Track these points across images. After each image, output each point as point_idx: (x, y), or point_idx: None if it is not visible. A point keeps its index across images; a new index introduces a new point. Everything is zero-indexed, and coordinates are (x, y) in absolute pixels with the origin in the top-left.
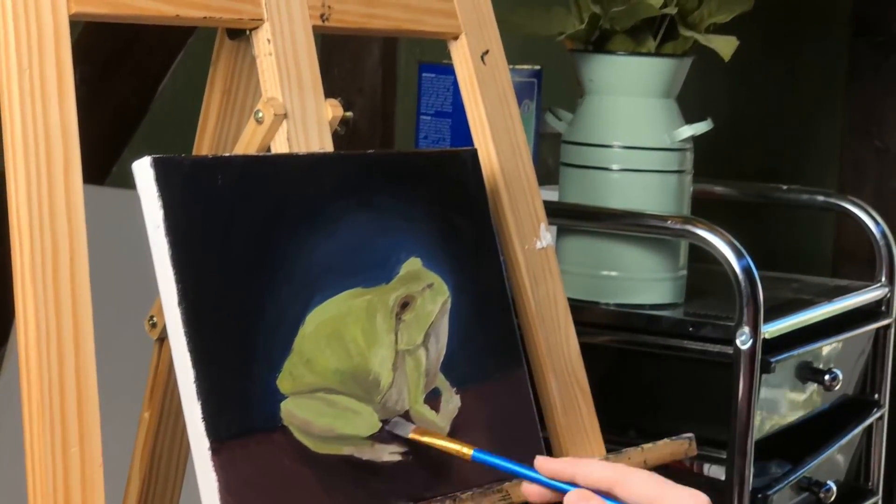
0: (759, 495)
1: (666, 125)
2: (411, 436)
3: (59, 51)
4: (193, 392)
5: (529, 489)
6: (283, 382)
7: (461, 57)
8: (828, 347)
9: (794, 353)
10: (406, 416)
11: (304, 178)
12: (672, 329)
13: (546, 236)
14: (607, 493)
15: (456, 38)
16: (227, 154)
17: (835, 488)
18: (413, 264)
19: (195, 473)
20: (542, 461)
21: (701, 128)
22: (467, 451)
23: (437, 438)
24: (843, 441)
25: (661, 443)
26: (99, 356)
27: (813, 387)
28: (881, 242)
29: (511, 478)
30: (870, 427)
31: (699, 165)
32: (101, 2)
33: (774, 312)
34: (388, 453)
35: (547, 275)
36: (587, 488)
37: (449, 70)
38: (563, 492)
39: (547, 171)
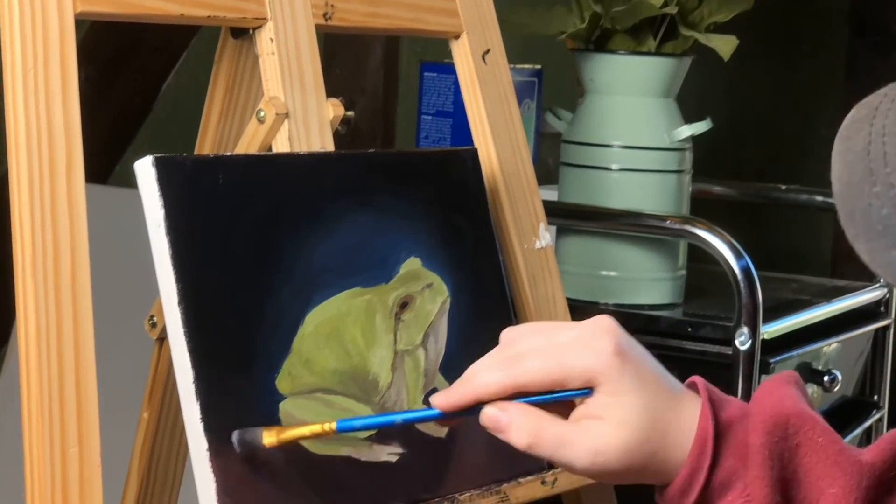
0: None
1: (665, 125)
2: (265, 441)
3: (64, 50)
4: (192, 392)
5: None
6: (282, 383)
7: (462, 56)
8: (827, 348)
9: (794, 353)
10: None
11: (304, 178)
12: (671, 329)
13: (545, 236)
14: (517, 398)
15: (457, 37)
16: (228, 153)
17: None
18: (412, 264)
19: (193, 474)
20: (437, 398)
21: (700, 127)
22: (329, 426)
23: (292, 430)
24: None
25: None
26: (99, 356)
27: (812, 388)
28: None
29: (510, 479)
30: (869, 429)
31: (698, 165)
32: (106, 1)
33: (773, 313)
34: (387, 454)
35: (546, 274)
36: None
37: (450, 69)
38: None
39: (547, 171)
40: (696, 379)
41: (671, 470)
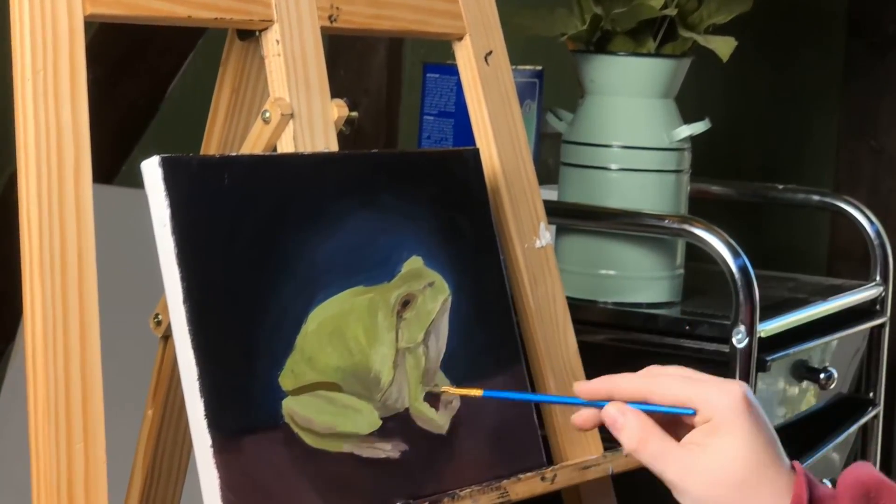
0: None
1: (665, 125)
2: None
3: (73, 52)
4: (196, 389)
5: (578, 417)
6: (285, 380)
7: (465, 58)
8: (823, 346)
9: (790, 351)
10: (406, 413)
11: (309, 178)
12: (669, 327)
13: (545, 235)
14: (644, 402)
15: (460, 38)
16: (234, 153)
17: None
18: (414, 263)
19: (197, 470)
20: (579, 385)
21: (699, 128)
22: (477, 392)
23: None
24: (839, 440)
25: None
26: (104, 353)
27: (808, 385)
28: (875, 242)
29: (509, 475)
30: (865, 425)
31: (697, 165)
32: (115, 3)
33: (770, 311)
34: (388, 451)
35: (546, 273)
36: (622, 401)
37: (453, 70)
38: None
39: (547, 171)
40: (796, 463)
41: None
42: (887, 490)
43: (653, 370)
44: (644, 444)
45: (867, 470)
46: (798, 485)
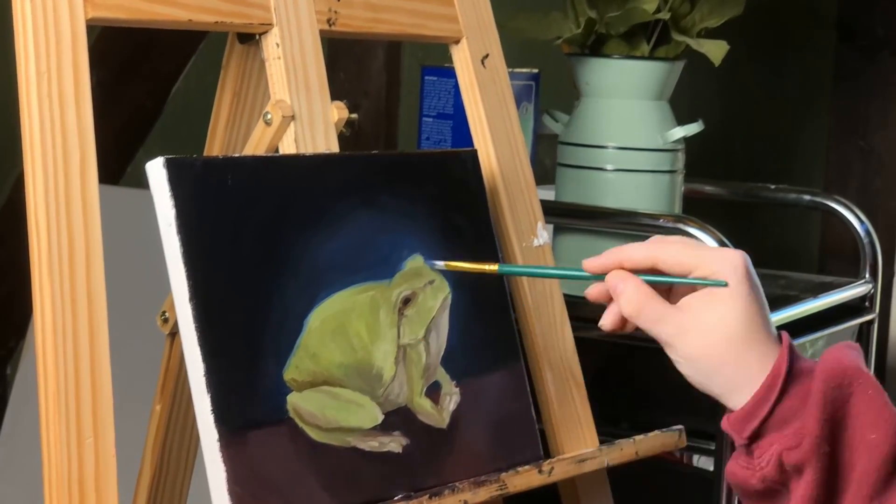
0: None
1: (658, 127)
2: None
3: (77, 55)
4: (203, 385)
5: (591, 292)
6: (290, 376)
7: (462, 61)
8: (814, 341)
9: None
10: (407, 408)
11: (310, 178)
12: None
13: (543, 234)
14: (650, 271)
15: (457, 42)
16: (236, 155)
17: None
18: (415, 261)
19: (204, 464)
20: (587, 262)
21: (692, 129)
22: (492, 267)
23: (459, 263)
24: None
25: (651, 434)
26: (113, 350)
27: None
28: (865, 240)
29: (508, 467)
30: None
31: (690, 165)
32: (116, 7)
33: None
34: (390, 444)
35: None
36: (632, 270)
37: (450, 73)
38: None
39: (544, 172)
40: (784, 332)
41: (733, 389)
42: (860, 380)
43: (658, 239)
44: (642, 308)
45: (849, 355)
46: (781, 354)
